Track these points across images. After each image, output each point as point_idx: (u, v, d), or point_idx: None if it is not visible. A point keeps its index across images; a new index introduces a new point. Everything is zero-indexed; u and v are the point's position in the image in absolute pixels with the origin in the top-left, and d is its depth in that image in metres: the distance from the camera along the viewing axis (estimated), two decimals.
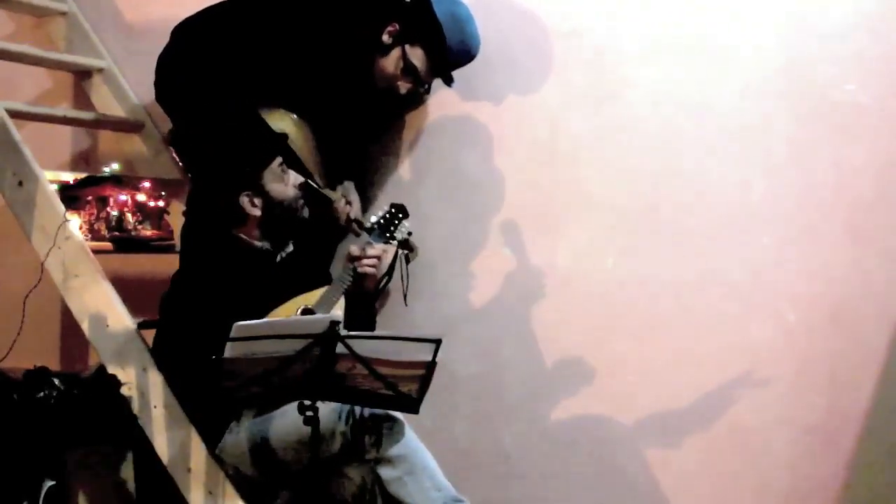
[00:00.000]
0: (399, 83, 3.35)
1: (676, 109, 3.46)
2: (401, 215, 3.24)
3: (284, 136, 3.29)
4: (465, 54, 3.34)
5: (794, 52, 3.36)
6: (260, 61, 3.32)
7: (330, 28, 3.33)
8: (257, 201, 3.18)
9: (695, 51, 3.44)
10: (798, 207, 3.37)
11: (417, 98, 3.55)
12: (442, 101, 3.65)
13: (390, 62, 3.33)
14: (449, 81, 3.42)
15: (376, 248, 3.21)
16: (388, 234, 3.23)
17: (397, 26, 3.30)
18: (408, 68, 3.32)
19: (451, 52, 3.29)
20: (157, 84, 3.43)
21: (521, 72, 3.59)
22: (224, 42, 3.31)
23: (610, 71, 3.52)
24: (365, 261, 3.19)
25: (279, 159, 3.20)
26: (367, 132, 3.65)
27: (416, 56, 3.31)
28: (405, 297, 3.36)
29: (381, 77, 3.35)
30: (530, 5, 3.58)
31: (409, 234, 3.28)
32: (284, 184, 3.20)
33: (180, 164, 3.24)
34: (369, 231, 3.24)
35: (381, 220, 3.24)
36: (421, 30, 3.28)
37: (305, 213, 3.24)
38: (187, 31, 3.37)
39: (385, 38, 3.32)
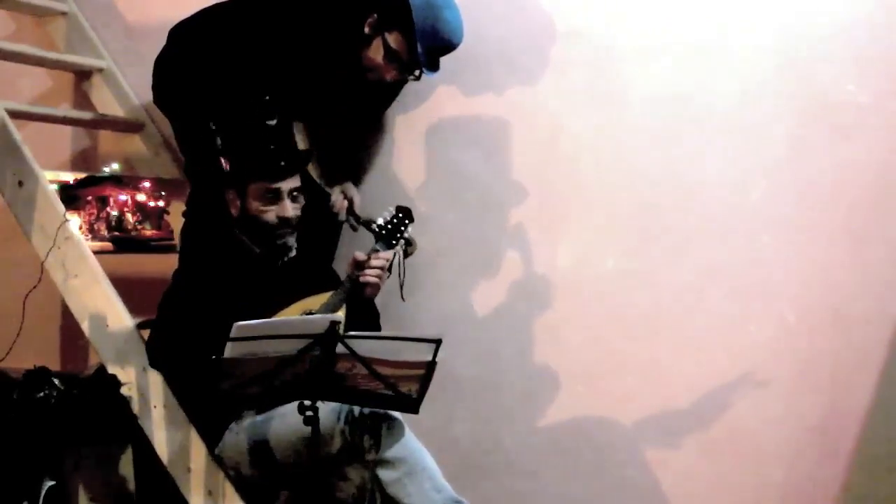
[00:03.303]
0: (385, 71, 3.37)
1: (676, 109, 3.46)
2: (407, 220, 3.23)
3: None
4: (440, 40, 3.33)
5: (793, 52, 3.36)
6: (255, 62, 3.33)
7: (318, 26, 3.35)
8: (238, 203, 3.19)
9: (694, 51, 3.44)
10: (798, 207, 3.37)
11: (401, 85, 3.55)
12: (442, 101, 3.65)
13: (374, 51, 3.35)
14: (430, 68, 3.37)
15: (381, 257, 3.19)
16: (394, 241, 3.21)
17: (375, 16, 3.33)
18: (390, 54, 3.33)
19: (423, 37, 3.29)
20: (154, 86, 3.44)
21: (521, 72, 3.59)
22: (220, 43, 3.32)
23: (610, 71, 3.52)
24: (368, 270, 3.17)
25: None
26: (363, 127, 3.67)
27: (396, 41, 3.33)
28: (402, 290, 3.35)
29: (369, 68, 3.38)
30: (531, 5, 3.58)
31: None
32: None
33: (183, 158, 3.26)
34: (375, 235, 3.21)
35: (388, 226, 3.21)
36: (396, 14, 3.30)
37: (290, 241, 3.22)
38: (184, 33, 3.38)
39: (367, 29, 3.35)
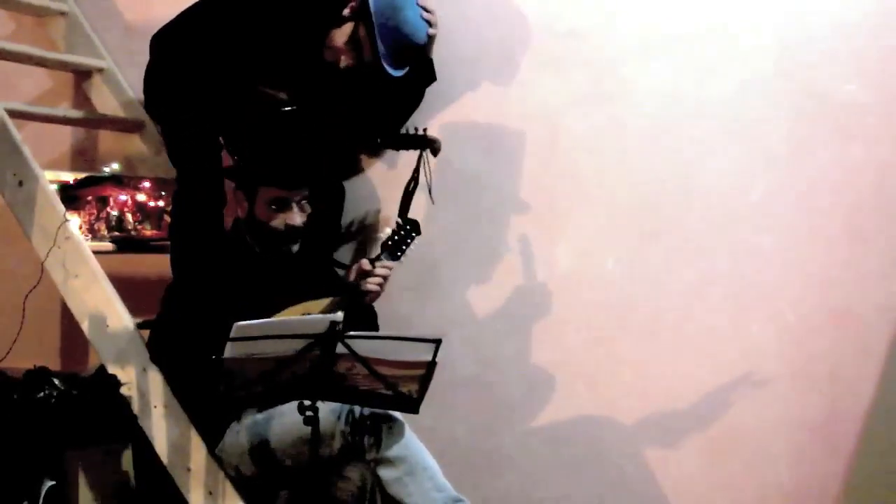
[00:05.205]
0: (342, 56, 3.39)
1: (676, 109, 3.46)
2: (414, 233, 3.24)
3: None
4: (403, 38, 3.35)
5: (793, 52, 3.36)
6: (237, 56, 3.34)
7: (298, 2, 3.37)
8: (246, 204, 3.23)
9: (694, 50, 3.44)
10: (798, 207, 3.37)
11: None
12: (442, 101, 3.65)
13: (341, 33, 3.37)
14: (393, 65, 3.36)
15: (385, 266, 3.21)
16: (399, 253, 3.23)
17: (357, 2, 3.35)
18: (353, 42, 3.36)
19: (384, 35, 3.31)
20: (145, 96, 3.45)
21: (521, 72, 3.59)
22: (201, 46, 3.32)
23: (610, 71, 3.52)
24: (371, 279, 3.18)
25: None
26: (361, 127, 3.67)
27: (364, 33, 3.35)
28: (430, 192, 3.37)
29: (329, 47, 3.40)
30: (530, 5, 3.58)
31: (425, 129, 3.34)
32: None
33: None
34: (380, 248, 3.23)
35: (394, 238, 3.23)
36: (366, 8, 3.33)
37: (293, 248, 3.25)
38: (164, 41, 3.38)
39: (346, 11, 3.37)
